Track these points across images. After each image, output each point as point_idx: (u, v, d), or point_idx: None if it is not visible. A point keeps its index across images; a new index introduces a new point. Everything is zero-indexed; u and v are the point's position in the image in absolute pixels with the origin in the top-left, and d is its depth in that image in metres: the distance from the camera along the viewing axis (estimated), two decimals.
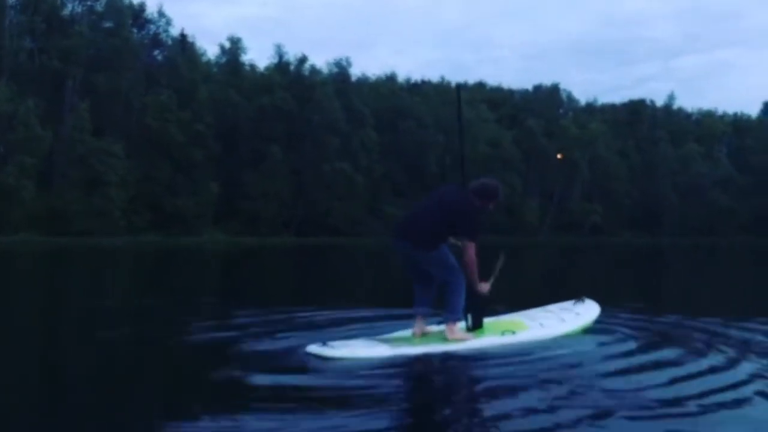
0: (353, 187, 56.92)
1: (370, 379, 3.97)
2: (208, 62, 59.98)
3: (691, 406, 3.37)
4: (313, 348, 4.58)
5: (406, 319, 5.37)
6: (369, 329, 5.59)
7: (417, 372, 4.38)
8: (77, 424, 3.25)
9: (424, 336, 5.07)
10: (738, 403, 3.45)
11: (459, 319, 5.02)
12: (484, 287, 5.08)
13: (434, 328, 5.22)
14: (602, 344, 5.10)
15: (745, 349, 4.89)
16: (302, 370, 4.22)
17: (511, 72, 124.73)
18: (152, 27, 54.84)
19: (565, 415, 3.22)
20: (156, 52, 55.40)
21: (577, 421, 3.14)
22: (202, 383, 4.07)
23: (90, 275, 15.66)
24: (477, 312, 5.12)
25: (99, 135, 47.37)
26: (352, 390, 3.73)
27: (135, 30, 53.36)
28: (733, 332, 5.64)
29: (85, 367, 4.68)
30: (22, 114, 44.21)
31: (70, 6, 51.63)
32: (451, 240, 5.04)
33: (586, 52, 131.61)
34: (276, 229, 53.95)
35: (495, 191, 5.09)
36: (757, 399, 3.53)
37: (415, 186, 62.74)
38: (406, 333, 5.16)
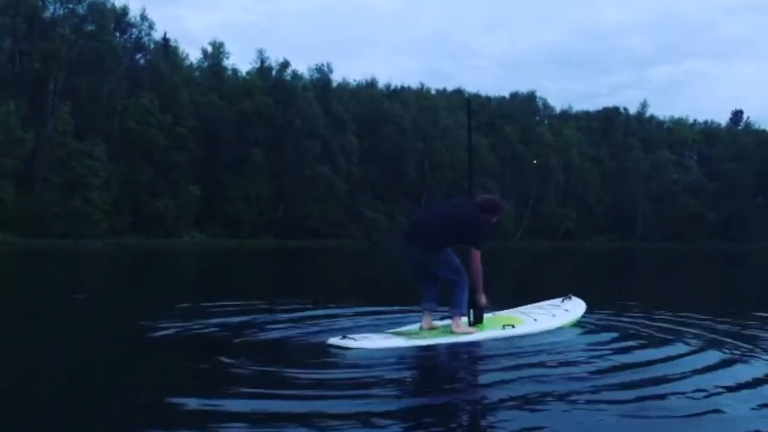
0: (333, 190, 57.62)
1: (384, 367, 4.36)
2: (190, 66, 60.16)
3: (664, 392, 3.78)
4: (334, 340, 5.06)
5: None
6: (340, 324, 6.11)
7: (426, 362, 4.79)
8: (67, 410, 3.43)
9: (431, 330, 5.61)
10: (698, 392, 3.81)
11: (464, 314, 5.59)
12: (484, 299, 5.65)
13: (439, 323, 5.76)
14: (589, 337, 5.72)
15: (714, 340, 5.50)
16: (312, 359, 4.60)
17: (489, 80, 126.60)
18: (135, 30, 55.01)
19: (558, 402, 3.51)
20: (138, 56, 55.50)
21: (570, 407, 3.44)
22: (190, 371, 4.37)
23: (69, 274, 15.96)
24: (478, 308, 5.70)
25: (81, 138, 47.39)
26: (363, 377, 4.09)
27: (117, 33, 53.43)
28: (702, 325, 6.37)
29: (68, 358, 4.91)
30: (2, 116, 44.14)
31: (51, 8, 51.58)
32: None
33: (562, 61, 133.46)
34: (256, 232, 54.46)
35: (498, 207, 5.74)
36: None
37: (394, 190, 63.64)
38: (414, 327, 5.69)
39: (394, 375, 4.25)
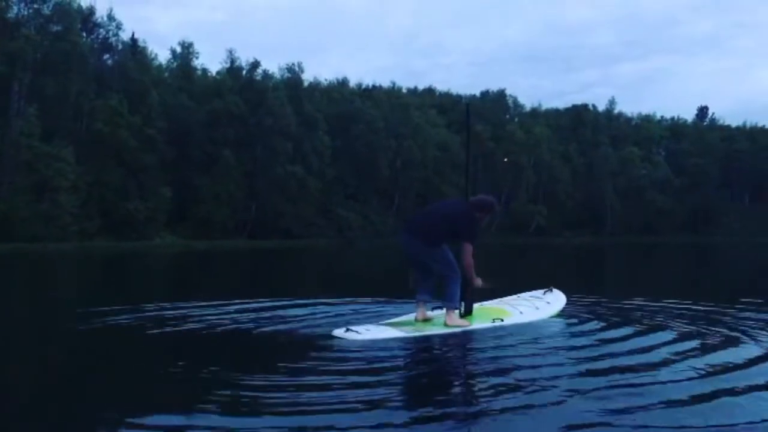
0: (306, 190, 57.43)
1: (386, 357, 4.68)
2: (159, 67, 59.42)
3: (647, 366, 4.26)
4: (338, 332, 5.39)
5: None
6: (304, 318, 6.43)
7: (422, 353, 5.04)
8: (51, 410, 3.42)
9: (426, 321, 5.91)
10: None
11: (456, 307, 5.91)
12: (478, 281, 5.99)
13: (432, 313, 6.06)
14: (571, 326, 6.08)
15: (686, 325, 5.97)
16: (320, 350, 4.87)
17: (460, 78, 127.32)
18: (102, 31, 54.08)
19: (545, 387, 3.70)
20: (106, 57, 54.62)
21: (555, 391, 3.63)
22: (177, 376, 4.30)
23: (38, 277, 15.68)
24: (468, 301, 6.05)
25: (48, 140, 46.51)
26: (366, 364, 4.40)
27: (84, 34, 52.53)
28: (667, 311, 6.89)
29: (32, 361, 4.87)
30: None
31: (15, 8, 50.45)
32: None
33: (531, 58, 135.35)
34: (229, 233, 54.02)
35: (492, 206, 6.09)
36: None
37: (366, 189, 63.64)
38: (410, 318, 5.98)
39: (395, 367, 4.51)
